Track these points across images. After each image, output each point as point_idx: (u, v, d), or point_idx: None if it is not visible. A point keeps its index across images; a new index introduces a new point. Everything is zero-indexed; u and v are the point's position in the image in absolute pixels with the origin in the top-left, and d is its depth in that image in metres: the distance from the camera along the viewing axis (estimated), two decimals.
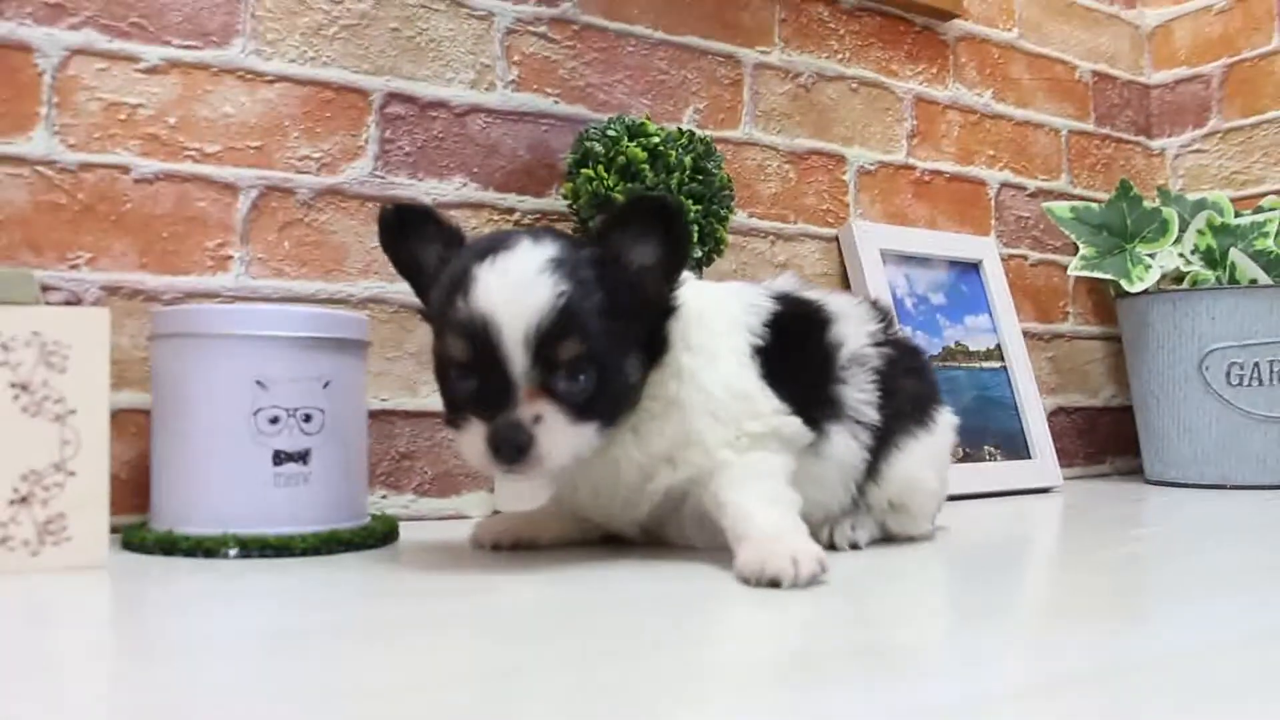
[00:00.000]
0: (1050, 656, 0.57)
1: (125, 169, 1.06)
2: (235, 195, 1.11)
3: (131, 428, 1.05)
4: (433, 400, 1.19)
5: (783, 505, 0.84)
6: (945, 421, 1.01)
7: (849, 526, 0.96)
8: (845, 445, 0.91)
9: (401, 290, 1.18)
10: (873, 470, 0.94)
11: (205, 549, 0.90)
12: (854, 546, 0.94)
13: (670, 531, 0.93)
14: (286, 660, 0.56)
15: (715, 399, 0.86)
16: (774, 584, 0.74)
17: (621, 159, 1.15)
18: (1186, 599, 0.76)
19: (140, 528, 0.96)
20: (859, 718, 0.45)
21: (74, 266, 1.04)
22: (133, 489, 1.03)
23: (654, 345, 0.85)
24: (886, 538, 0.99)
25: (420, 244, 0.87)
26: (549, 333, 0.77)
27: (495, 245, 0.81)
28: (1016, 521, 1.25)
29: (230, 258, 1.11)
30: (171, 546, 0.91)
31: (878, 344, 0.95)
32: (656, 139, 1.17)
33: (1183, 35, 1.89)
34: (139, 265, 1.06)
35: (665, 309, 0.85)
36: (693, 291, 0.88)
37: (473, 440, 0.79)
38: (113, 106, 1.06)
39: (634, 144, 1.16)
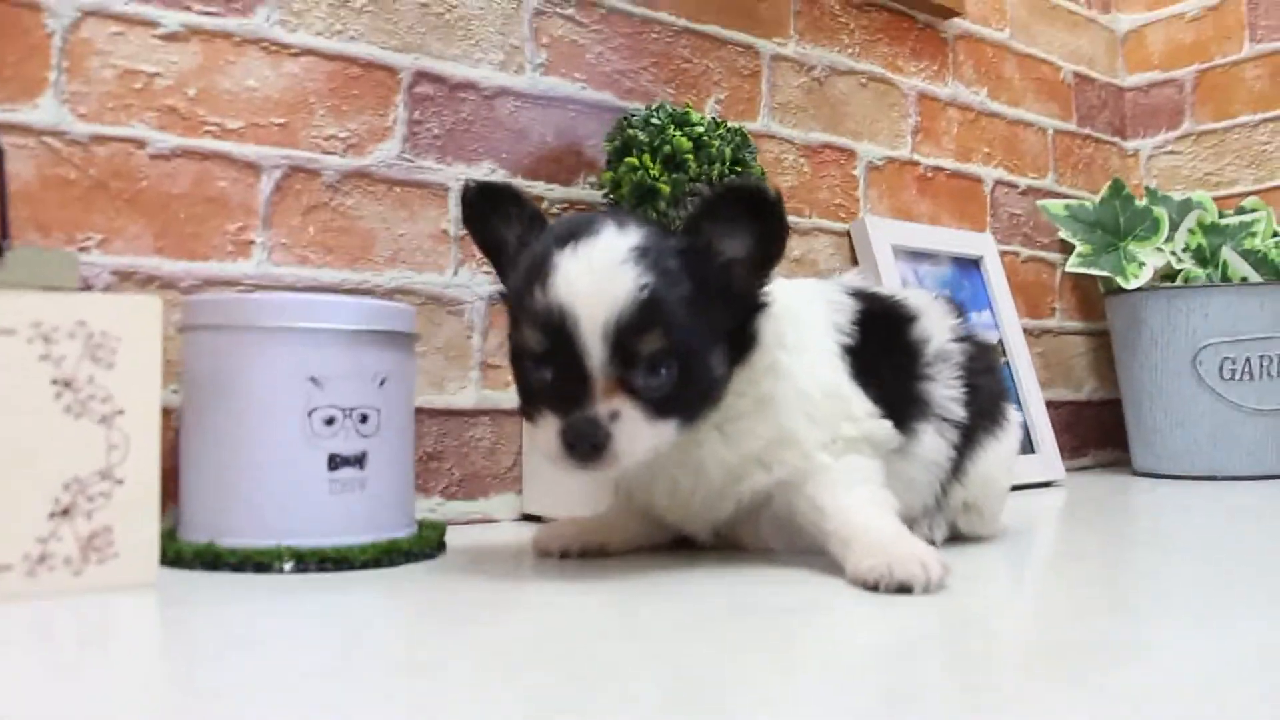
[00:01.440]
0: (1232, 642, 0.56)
1: (141, 143, 0.96)
2: (258, 175, 1.02)
3: None
4: (460, 398, 1.13)
5: (885, 509, 0.81)
6: (1015, 420, 0.99)
7: (926, 526, 0.93)
8: (934, 444, 0.89)
9: (430, 281, 1.12)
10: (958, 469, 0.92)
11: (256, 563, 0.82)
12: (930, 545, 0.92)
13: (745, 534, 0.90)
14: (396, 692, 0.49)
15: (811, 399, 0.83)
16: (904, 589, 0.71)
17: (667, 148, 1.10)
18: None
19: (169, 538, 0.87)
20: None
21: (84, 249, 0.94)
22: None
23: (742, 340, 0.81)
24: (954, 536, 0.97)
25: (502, 223, 0.82)
26: (630, 325, 0.72)
27: (577, 230, 0.76)
28: (1053, 515, 1.25)
29: (252, 243, 1.02)
30: (215, 560, 0.83)
31: (958, 340, 0.93)
32: (700, 128, 1.13)
33: (1155, 41, 1.93)
34: (155, 249, 0.97)
35: (756, 303, 0.81)
36: (779, 288, 0.85)
37: (547, 435, 0.75)
38: (128, 74, 0.96)
39: (679, 133, 1.11)
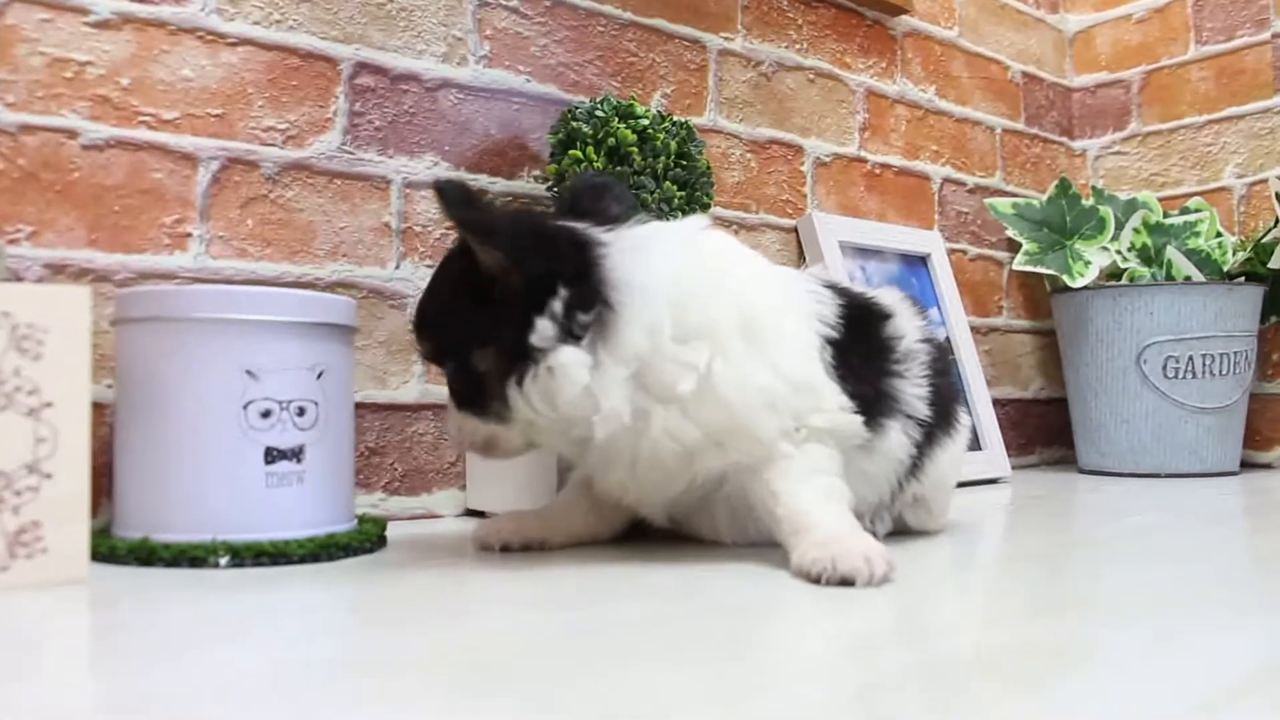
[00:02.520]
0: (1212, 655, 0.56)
1: (73, 133, 0.94)
2: (194, 167, 1.00)
3: None
4: (402, 393, 1.12)
5: (839, 502, 0.81)
6: (965, 422, 1.00)
7: (869, 519, 0.93)
8: (899, 441, 0.88)
9: (372, 274, 1.11)
10: (916, 466, 0.92)
11: (191, 558, 0.81)
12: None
13: (700, 524, 0.90)
14: (335, 691, 0.48)
15: (770, 391, 0.80)
16: (846, 583, 0.71)
17: (611, 140, 1.10)
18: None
19: (103, 534, 0.85)
20: None
21: (13, 241, 0.91)
22: None
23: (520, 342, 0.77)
24: (901, 531, 0.97)
25: None
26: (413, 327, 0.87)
27: None
28: (1000, 512, 1.25)
29: (189, 235, 1.00)
30: (149, 556, 0.81)
31: (924, 340, 0.93)
32: (645, 121, 1.13)
33: (1103, 41, 1.96)
34: (88, 241, 0.95)
35: (530, 299, 0.77)
36: (746, 273, 0.85)
37: None
38: (58, 63, 0.94)
39: (624, 125, 1.11)
